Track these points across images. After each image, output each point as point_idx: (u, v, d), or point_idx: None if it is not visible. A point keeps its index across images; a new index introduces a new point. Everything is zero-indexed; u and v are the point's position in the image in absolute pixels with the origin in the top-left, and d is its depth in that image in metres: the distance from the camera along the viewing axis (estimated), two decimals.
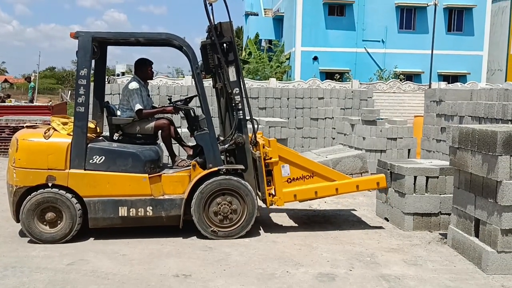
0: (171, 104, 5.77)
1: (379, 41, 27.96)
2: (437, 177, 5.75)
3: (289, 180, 5.56)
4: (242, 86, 5.42)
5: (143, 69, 5.73)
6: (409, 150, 9.43)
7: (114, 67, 44.90)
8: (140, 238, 5.22)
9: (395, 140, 9.33)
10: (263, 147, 5.50)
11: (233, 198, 5.26)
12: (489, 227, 4.48)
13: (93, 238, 5.22)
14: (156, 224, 5.26)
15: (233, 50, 5.35)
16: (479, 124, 7.01)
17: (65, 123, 5.26)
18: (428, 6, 27.11)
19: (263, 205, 5.69)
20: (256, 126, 5.51)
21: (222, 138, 5.58)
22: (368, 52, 27.90)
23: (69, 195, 5.01)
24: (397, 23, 28.15)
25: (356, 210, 6.85)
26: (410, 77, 27.02)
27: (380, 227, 5.92)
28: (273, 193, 5.55)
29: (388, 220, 6.16)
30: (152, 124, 5.57)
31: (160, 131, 5.64)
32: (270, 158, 5.48)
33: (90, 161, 5.06)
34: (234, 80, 5.37)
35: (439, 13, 27.17)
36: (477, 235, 4.73)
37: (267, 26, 33.75)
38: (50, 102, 20.98)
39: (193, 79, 5.73)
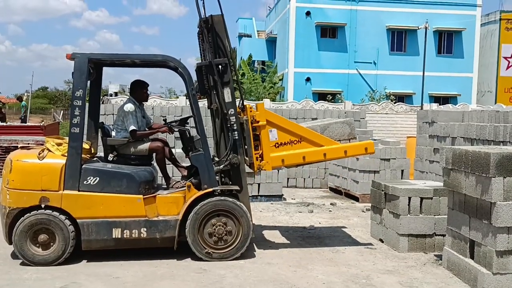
0: (166, 125, 5.78)
1: (370, 63, 28.35)
2: (431, 198, 5.78)
3: (276, 145, 5.50)
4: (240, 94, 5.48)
5: (138, 91, 5.74)
6: (402, 170, 9.47)
7: (107, 87, 44.96)
8: (133, 260, 5.16)
9: (388, 161, 9.38)
10: (251, 111, 5.49)
11: (228, 219, 5.22)
12: (484, 249, 4.48)
13: (86, 260, 5.15)
14: (150, 246, 5.21)
15: (228, 71, 5.40)
16: (472, 146, 7.08)
17: (59, 144, 5.24)
18: (418, 29, 27.61)
19: (256, 224, 5.65)
20: (243, 92, 5.41)
21: (217, 159, 5.59)
22: (360, 74, 28.24)
23: (62, 217, 4.95)
24: (388, 45, 28.60)
25: (351, 231, 6.83)
26: (402, 98, 27.34)
27: (375, 248, 5.90)
28: (261, 158, 5.48)
29: (382, 241, 6.15)
30: (146, 146, 5.54)
31: (154, 153, 5.64)
32: (258, 122, 5.43)
33: (84, 182, 5.02)
34: (230, 101, 5.40)
35: (429, 36, 27.68)
36: (472, 257, 4.73)
37: (260, 48, 34.15)
38: (43, 122, 20.91)
39: (188, 100, 5.76)
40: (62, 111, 40.71)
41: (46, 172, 4.99)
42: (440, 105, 18.89)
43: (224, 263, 5.13)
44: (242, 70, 30.10)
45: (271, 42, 33.82)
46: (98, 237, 5.03)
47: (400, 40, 28.75)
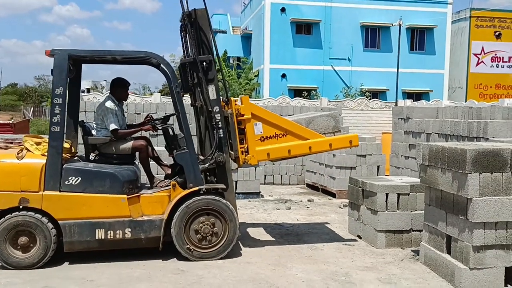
0: (150, 123, 5.65)
1: (345, 59, 28.56)
2: (408, 194, 5.82)
3: (262, 139, 5.46)
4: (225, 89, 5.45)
5: (119, 90, 5.59)
6: (378, 166, 9.56)
7: None
8: (109, 262, 5.03)
9: (364, 157, 9.45)
10: (235, 104, 5.42)
11: (215, 218, 5.15)
12: (461, 244, 4.53)
13: (68, 263, 5.01)
14: (135, 246, 5.09)
15: (213, 68, 5.31)
16: (446, 142, 7.18)
17: (38, 143, 5.07)
18: (392, 26, 27.95)
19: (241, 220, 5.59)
20: (228, 86, 5.35)
21: (201, 157, 5.49)
22: (334, 70, 28.43)
23: (43, 218, 4.81)
24: (363, 42, 28.86)
25: (329, 227, 6.84)
26: (376, 94, 27.66)
27: (353, 245, 5.92)
28: (246, 152, 5.42)
29: (360, 238, 6.17)
30: (129, 144, 5.40)
31: (137, 152, 5.50)
32: (243, 115, 5.37)
33: (66, 182, 4.88)
34: (214, 99, 5.31)
35: (402, 33, 28.01)
36: (449, 252, 4.78)
37: (236, 44, 33.98)
38: (12, 120, 20.32)
39: (171, 97, 5.75)
40: (32, 108, 39.70)
41: (25, 172, 4.84)
42: (413, 101, 19.15)
43: (202, 263, 5.05)
44: (218, 66, 29.81)
45: (246, 38, 33.71)
46: (81, 239, 4.90)
47: (374, 37, 29.05)
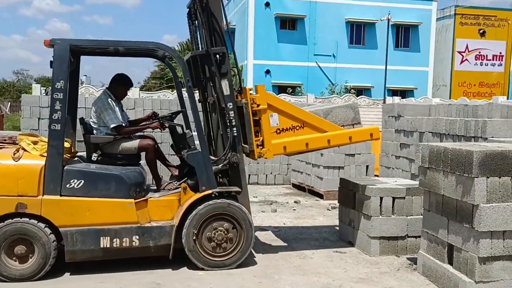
0: (158, 120, 5.18)
1: (330, 56, 28.26)
2: (404, 198, 5.42)
3: (278, 131, 5.09)
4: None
5: (121, 88, 5.15)
6: (367, 166, 9.18)
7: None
8: (112, 272, 4.54)
9: (353, 156, 9.05)
10: (250, 93, 5.00)
11: (229, 224, 4.76)
12: (465, 255, 4.14)
13: (69, 273, 4.56)
14: (143, 255, 4.69)
15: (226, 61, 4.89)
16: (441, 141, 6.80)
17: (35, 142, 4.61)
18: (378, 22, 27.73)
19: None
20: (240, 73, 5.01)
21: (213, 158, 5.05)
22: (319, 66, 28.10)
23: (42, 225, 4.37)
24: (348, 38, 28.59)
25: (317, 232, 6.41)
26: (360, 91, 27.41)
27: (345, 252, 5.50)
28: (261, 145, 5.05)
29: (352, 244, 5.76)
30: (135, 143, 4.94)
31: (144, 152, 5.02)
32: (258, 106, 4.99)
33: (67, 185, 4.45)
34: (228, 94, 4.89)
35: (386, 30, 27.83)
36: (450, 262, 4.39)
37: None
38: None
39: (177, 93, 5.40)
40: (9, 103, 38.52)
41: (22, 175, 4.38)
42: (403, 98, 18.93)
43: (181, 275, 4.58)
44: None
45: (230, 33, 33.16)
46: (84, 247, 4.47)
47: (359, 33, 28.80)
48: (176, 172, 5.27)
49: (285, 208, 8.07)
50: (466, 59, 30.13)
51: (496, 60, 30.46)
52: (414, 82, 28.87)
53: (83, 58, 5.22)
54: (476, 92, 29.79)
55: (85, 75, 45.85)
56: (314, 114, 5.34)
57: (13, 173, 4.36)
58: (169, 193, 4.85)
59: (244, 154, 5.13)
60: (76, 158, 4.98)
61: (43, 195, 4.39)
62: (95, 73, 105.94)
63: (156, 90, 22.76)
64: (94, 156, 4.92)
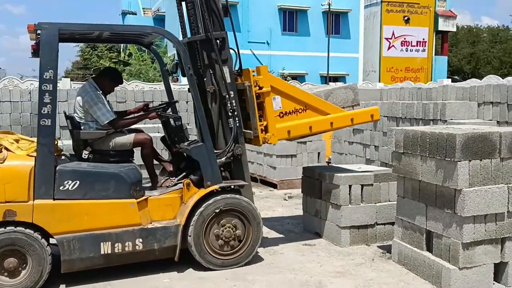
0: (156, 110, 4.79)
1: (264, 43, 28.09)
2: (372, 185, 5.26)
3: (281, 115, 4.85)
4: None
5: (110, 83, 4.71)
6: (318, 153, 9.03)
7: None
8: (110, 280, 3.93)
9: (305, 144, 8.85)
10: (253, 75, 4.71)
11: (236, 220, 4.51)
12: (446, 241, 4.02)
13: (65, 285, 4.04)
14: (146, 259, 4.32)
15: (226, 46, 4.67)
16: (397, 125, 6.76)
17: (16, 140, 4.15)
18: (310, 9, 27.90)
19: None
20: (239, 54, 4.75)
21: (215, 150, 4.66)
22: (254, 54, 27.83)
23: (35, 234, 3.88)
24: (281, 26, 28.56)
25: (280, 224, 6.12)
26: (295, 78, 27.49)
27: (314, 245, 5.25)
28: (265, 130, 4.79)
29: (320, 235, 5.52)
30: (130, 138, 4.56)
31: (140, 147, 4.65)
32: (261, 88, 4.72)
33: (61, 187, 4.01)
34: (230, 82, 4.63)
35: (318, 17, 28.17)
36: (429, 250, 4.26)
37: None
38: None
39: (164, 83, 5.24)
40: None
41: (10, 178, 3.89)
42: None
43: (145, 283, 4.10)
44: (129, 50, 28.11)
45: (159, 21, 31.96)
46: (83, 255, 4.04)
47: (291, 20, 28.86)
48: (171, 168, 4.91)
49: None
50: (393, 46, 31.27)
51: (420, 46, 31.89)
52: (345, 68, 29.50)
53: None
54: (403, 77, 30.97)
55: (0, 67, 42.37)
56: (317, 96, 5.14)
57: None
58: (169, 190, 4.51)
59: (247, 140, 4.91)
60: (62, 157, 4.48)
61: (34, 200, 3.91)
62: (10, 65, 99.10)
63: (80, 81, 21.47)
64: (85, 154, 4.45)
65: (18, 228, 3.86)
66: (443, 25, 32.65)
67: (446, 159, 3.89)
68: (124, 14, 34.93)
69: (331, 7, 28.62)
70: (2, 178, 3.85)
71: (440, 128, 4.29)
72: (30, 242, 3.86)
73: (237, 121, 4.66)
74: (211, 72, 4.69)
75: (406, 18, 31.25)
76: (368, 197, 5.24)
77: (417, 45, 31.73)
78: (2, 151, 3.98)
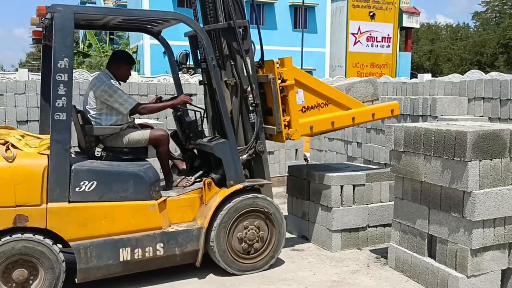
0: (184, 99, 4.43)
1: None
2: (364, 185, 4.94)
3: (303, 109, 4.66)
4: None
5: (124, 66, 4.29)
6: (296, 150, 8.69)
7: None
8: None
9: None
10: (277, 67, 4.44)
11: (259, 221, 4.27)
12: (452, 247, 3.73)
13: None
14: (166, 265, 4.01)
15: (248, 36, 4.37)
16: (384, 122, 6.48)
17: (22, 136, 3.76)
18: (277, 2, 27.53)
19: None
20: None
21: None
22: None
23: (48, 241, 3.51)
24: (248, 19, 28.01)
25: None
26: None
27: (303, 250, 4.90)
28: (287, 125, 4.57)
29: (307, 239, 5.17)
30: (146, 134, 4.22)
31: (156, 144, 4.29)
32: (285, 81, 4.49)
33: (77, 189, 3.63)
34: (252, 74, 4.35)
35: (285, 11, 27.86)
36: (432, 256, 3.98)
37: None
38: None
39: (173, 75, 4.96)
40: None
41: (20, 179, 3.46)
42: None
43: None
44: (89, 40, 27.00)
45: None
46: (101, 263, 3.69)
47: (258, 13, 28.39)
48: (183, 165, 4.66)
49: None
50: (359, 41, 31.32)
51: (384, 41, 32.09)
52: (312, 63, 29.31)
53: None
54: (368, 73, 31.13)
55: None
56: (339, 90, 4.88)
57: (7, 177, 3.44)
58: (188, 190, 4.22)
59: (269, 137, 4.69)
60: (72, 156, 4.00)
61: (47, 203, 3.52)
62: None
63: (35, 71, 20.37)
64: (98, 151, 4.03)
65: (30, 235, 3.46)
66: (407, 22, 33.01)
67: (455, 158, 3.60)
68: (83, 3, 33.61)
69: (298, 1, 28.40)
70: (12, 179, 3.42)
71: (444, 125, 4.00)
72: (42, 250, 3.47)
73: (259, 116, 4.36)
74: (232, 63, 4.40)
75: (371, 13, 31.37)
76: (360, 198, 4.92)
77: (382, 41, 31.93)
78: (9, 149, 3.52)
